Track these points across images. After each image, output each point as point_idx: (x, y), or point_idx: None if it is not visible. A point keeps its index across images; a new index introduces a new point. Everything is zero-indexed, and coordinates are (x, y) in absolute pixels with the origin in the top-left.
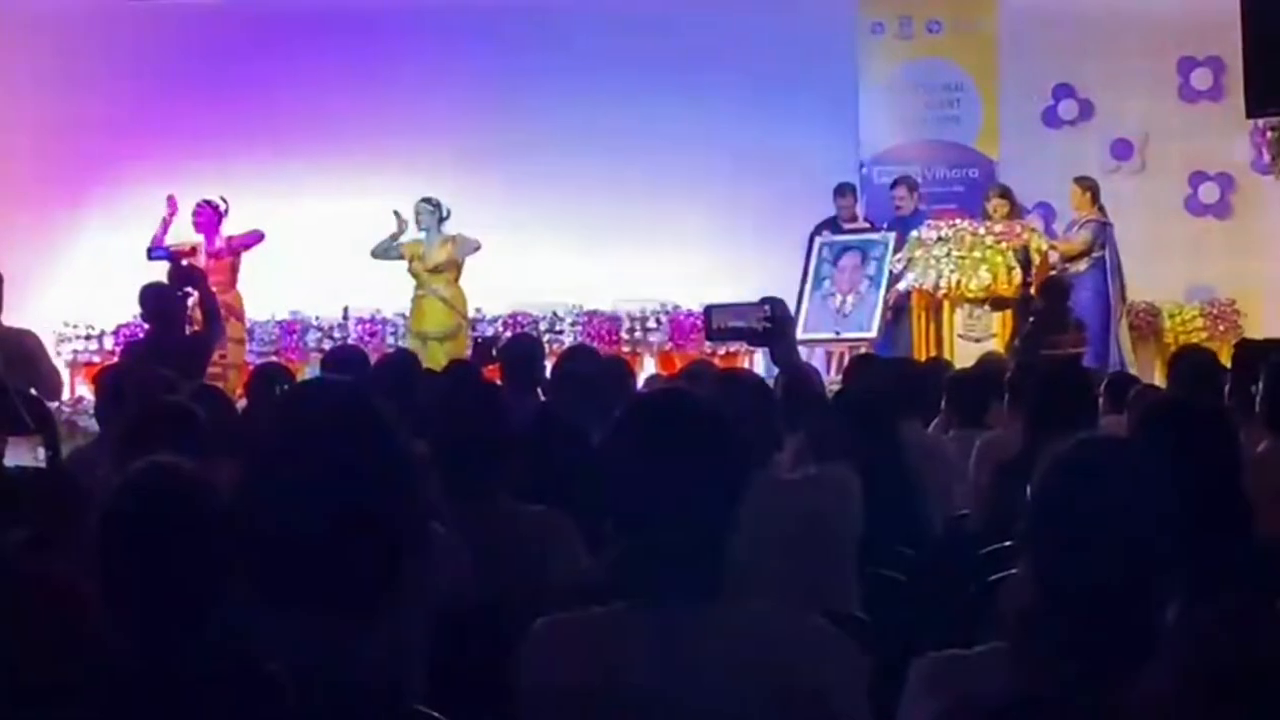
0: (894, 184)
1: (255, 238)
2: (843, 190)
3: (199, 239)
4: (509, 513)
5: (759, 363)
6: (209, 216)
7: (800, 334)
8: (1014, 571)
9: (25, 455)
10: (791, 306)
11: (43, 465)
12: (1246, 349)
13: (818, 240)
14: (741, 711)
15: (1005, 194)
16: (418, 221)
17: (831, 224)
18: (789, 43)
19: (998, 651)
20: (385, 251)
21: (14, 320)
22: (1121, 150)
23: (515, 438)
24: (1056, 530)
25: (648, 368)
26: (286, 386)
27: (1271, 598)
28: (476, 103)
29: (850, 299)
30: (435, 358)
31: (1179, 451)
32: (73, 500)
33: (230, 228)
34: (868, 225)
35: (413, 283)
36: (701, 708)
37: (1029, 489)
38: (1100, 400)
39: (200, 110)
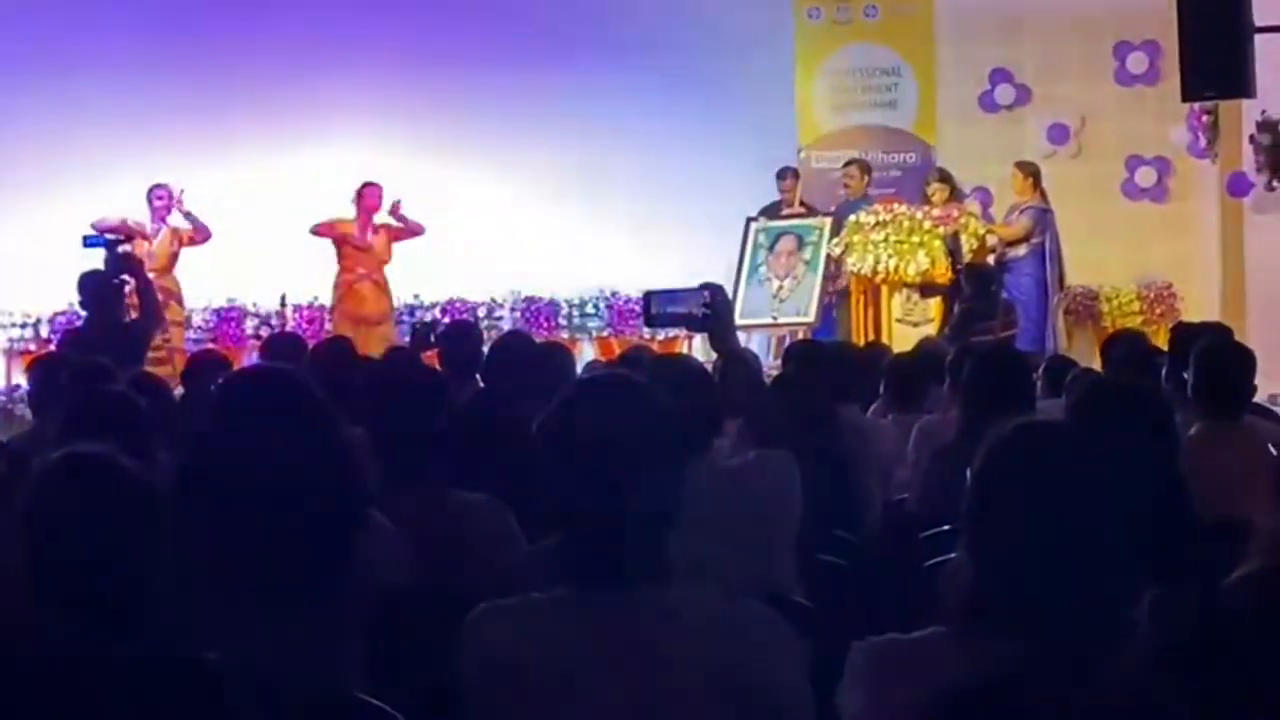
0: (845, 164)
1: (203, 236)
2: (783, 174)
3: (139, 225)
4: (447, 500)
5: (698, 348)
6: (167, 201)
7: (738, 319)
8: (953, 556)
9: None
10: (729, 292)
11: None
12: (1182, 332)
13: (753, 226)
14: (682, 697)
15: (945, 178)
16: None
17: (772, 208)
18: (726, 28)
19: (938, 636)
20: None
21: None
22: (1058, 134)
23: (454, 425)
24: (995, 514)
25: (587, 353)
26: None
27: (1212, 579)
28: (415, 90)
29: (787, 284)
30: (372, 343)
31: (1116, 434)
32: (5, 489)
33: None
34: (804, 210)
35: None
36: (642, 693)
37: (968, 473)
38: (1038, 384)
39: (138, 94)
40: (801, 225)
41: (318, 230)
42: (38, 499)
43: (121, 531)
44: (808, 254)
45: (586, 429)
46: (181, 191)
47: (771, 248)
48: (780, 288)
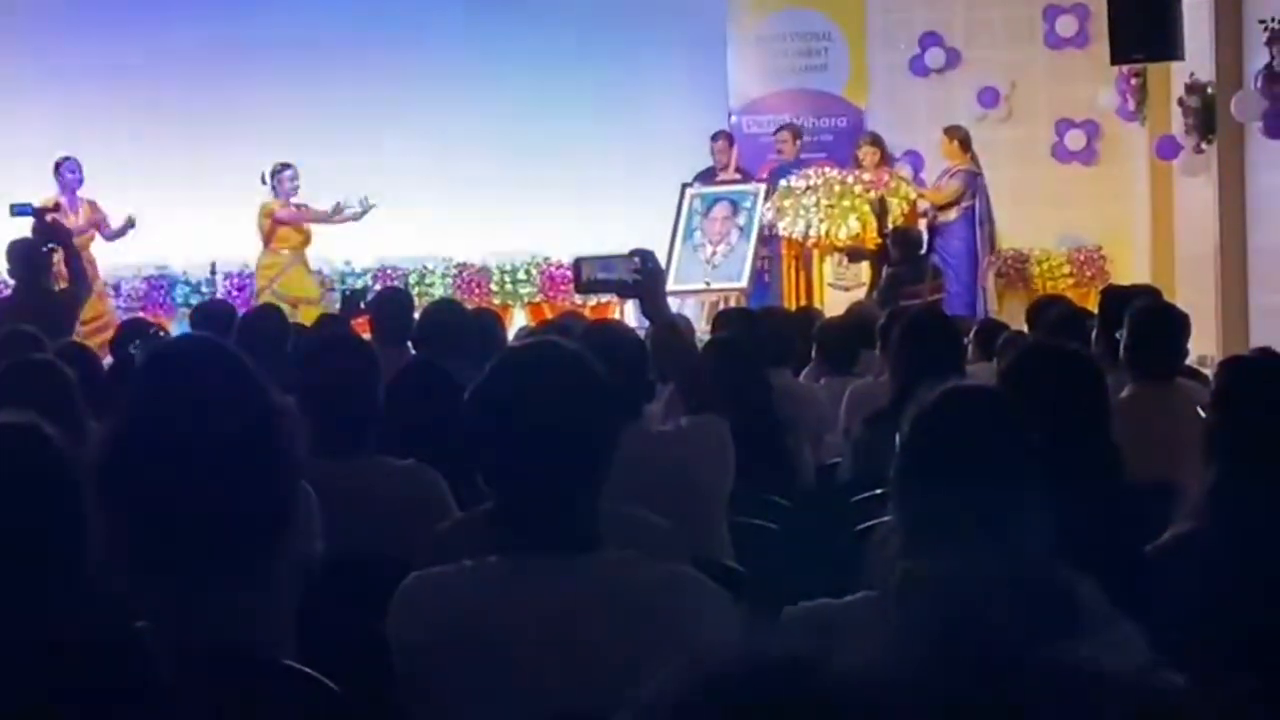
0: (777, 130)
1: (125, 229)
2: (716, 137)
3: (61, 197)
4: (377, 468)
5: (629, 314)
6: (77, 174)
7: (671, 285)
8: (885, 520)
9: None
10: (662, 258)
11: None
12: (1112, 295)
13: (688, 192)
14: (612, 661)
15: (876, 142)
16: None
17: (707, 174)
18: None
19: (868, 601)
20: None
21: None
22: (988, 98)
23: (384, 392)
24: (922, 479)
25: (518, 320)
26: (138, 343)
27: (1140, 541)
28: (340, 54)
29: (720, 249)
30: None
31: (1048, 398)
32: None
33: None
34: (739, 175)
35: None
36: (572, 659)
37: (897, 437)
38: (969, 348)
39: (61, 62)
40: (736, 191)
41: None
42: None
43: (46, 502)
44: (741, 220)
45: (516, 396)
46: (129, 219)
47: (706, 213)
48: (714, 253)
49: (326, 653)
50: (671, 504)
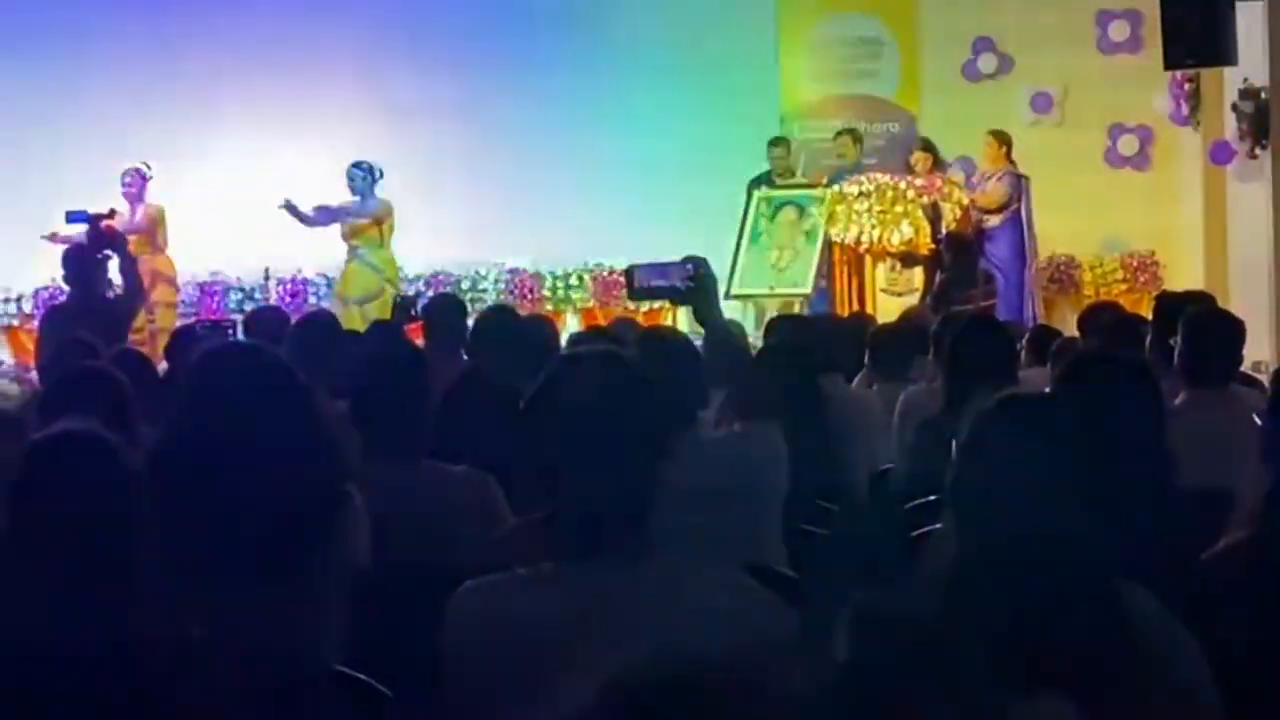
0: (837, 134)
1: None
2: (776, 142)
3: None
4: (430, 473)
5: (681, 320)
6: (139, 184)
7: (736, 289)
8: (938, 526)
9: None
10: (726, 262)
11: None
12: (1166, 302)
13: (755, 195)
14: None
15: (928, 147)
16: (351, 186)
17: (765, 178)
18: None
19: (923, 606)
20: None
21: None
22: (1041, 103)
23: (438, 398)
24: (979, 486)
25: (571, 326)
26: (205, 333)
27: (1195, 548)
28: (399, 60)
29: (786, 254)
30: (355, 323)
31: (1103, 405)
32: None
33: (153, 191)
34: (804, 180)
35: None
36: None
37: (953, 445)
38: (1022, 354)
39: (115, 67)
40: (803, 195)
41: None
42: (25, 476)
43: (108, 509)
44: (808, 225)
45: (572, 403)
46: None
47: (773, 217)
48: (779, 257)
49: (377, 657)
50: (725, 510)
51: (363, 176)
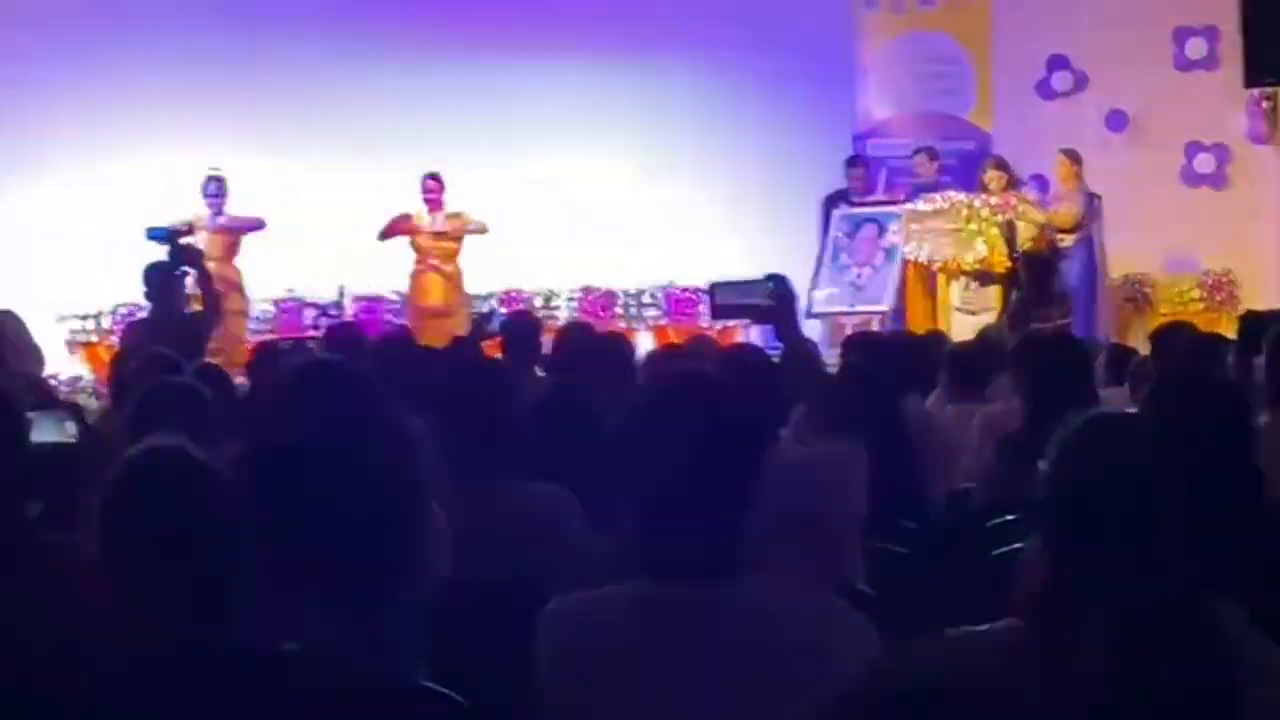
0: (914, 152)
1: (256, 224)
2: (853, 162)
3: (201, 215)
4: (512, 490)
5: (754, 337)
6: (220, 191)
7: (816, 307)
8: (1019, 546)
9: (54, 432)
10: (807, 279)
11: (70, 441)
12: (1251, 321)
13: (835, 213)
14: (756, 687)
15: (1001, 166)
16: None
17: (842, 196)
18: (784, 16)
19: (1013, 629)
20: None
21: (15, 299)
22: (1116, 121)
23: (521, 415)
24: (1072, 506)
25: (643, 343)
26: (288, 349)
27: None
28: (473, 78)
29: (865, 271)
30: (433, 335)
31: (1191, 424)
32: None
33: (230, 206)
34: (883, 197)
35: (411, 257)
36: (719, 685)
37: (1042, 466)
38: (1099, 373)
39: (194, 85)
40: (883, 212)
41: (386, 235)
42: (117, 493)
43: (199, 525)
44: (887, 241)
45: (666, 423)
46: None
47: (853, 234)
48: (859, 275)
49: (459, 672)
50: (806, 528)
51: (436, 188)
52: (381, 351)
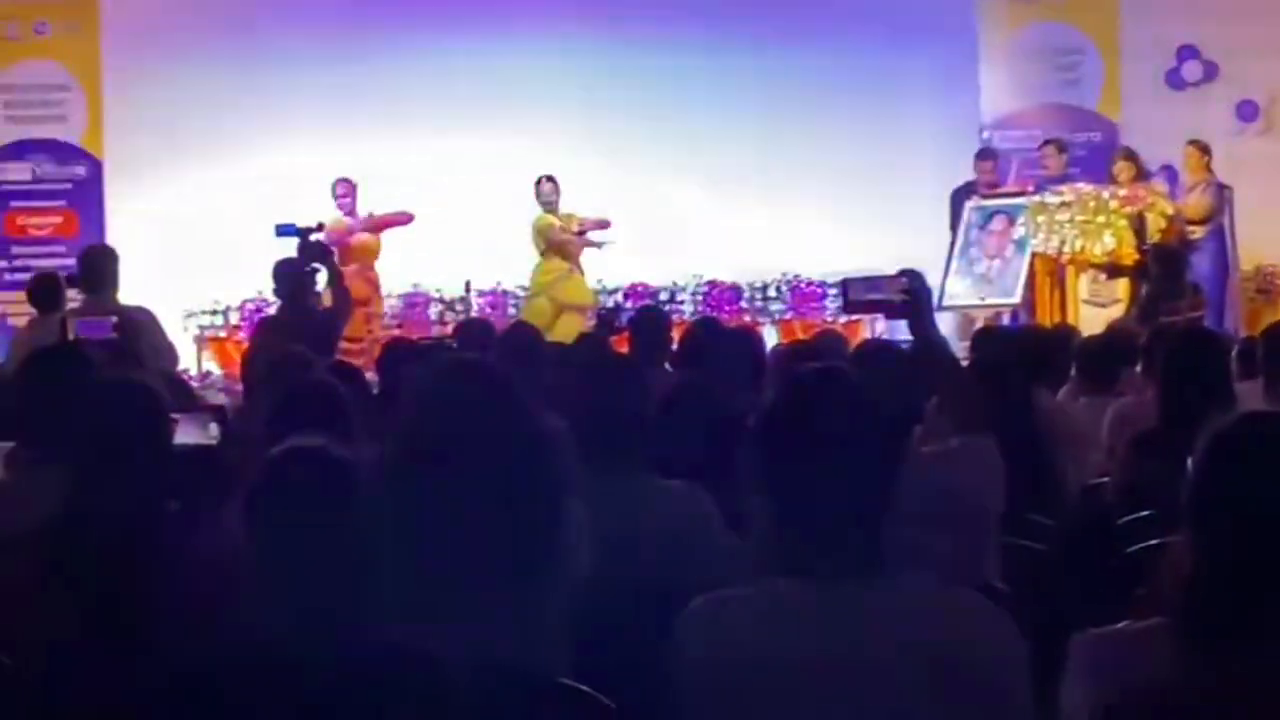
0: (1041, 144)
1: (405, 218)
2: (983, 155)
3: (337, 217)
4: (647, 487)
5: (880, 331)
6: (351, 193)
7: (947, 300)
8: (1156, 542)
9: (197, 433)
10: (929, 270)
11: (211, 443)
12: None
13: (967, 205)
14: (903, 688)
15: (1130, 157)
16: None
17: (971, 189)
18: (908, 7)
19: (1160, 628)
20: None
21: (144, 296)
22: (1247, 111)
23: (655, 411)
24: (1221, 506)
25: (769, 338)
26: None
27: None
28: (596, 75)
29: (996, 264)
30: (567, 329)
31: None
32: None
33: (361, 206)
34: (1013, 189)
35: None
36: (863, 685)
37: (1188, 462)
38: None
39: (324, 85)
40: (1014, 204)
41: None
42: (261, 494)
43: (344, 524)
44: (1017, 233)
45: (808, 422)
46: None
47: (983, 226)
48: (989, 268)
49: (598, 670)
50: (943, 525)
51: (551, 189)
52: (507, 346)
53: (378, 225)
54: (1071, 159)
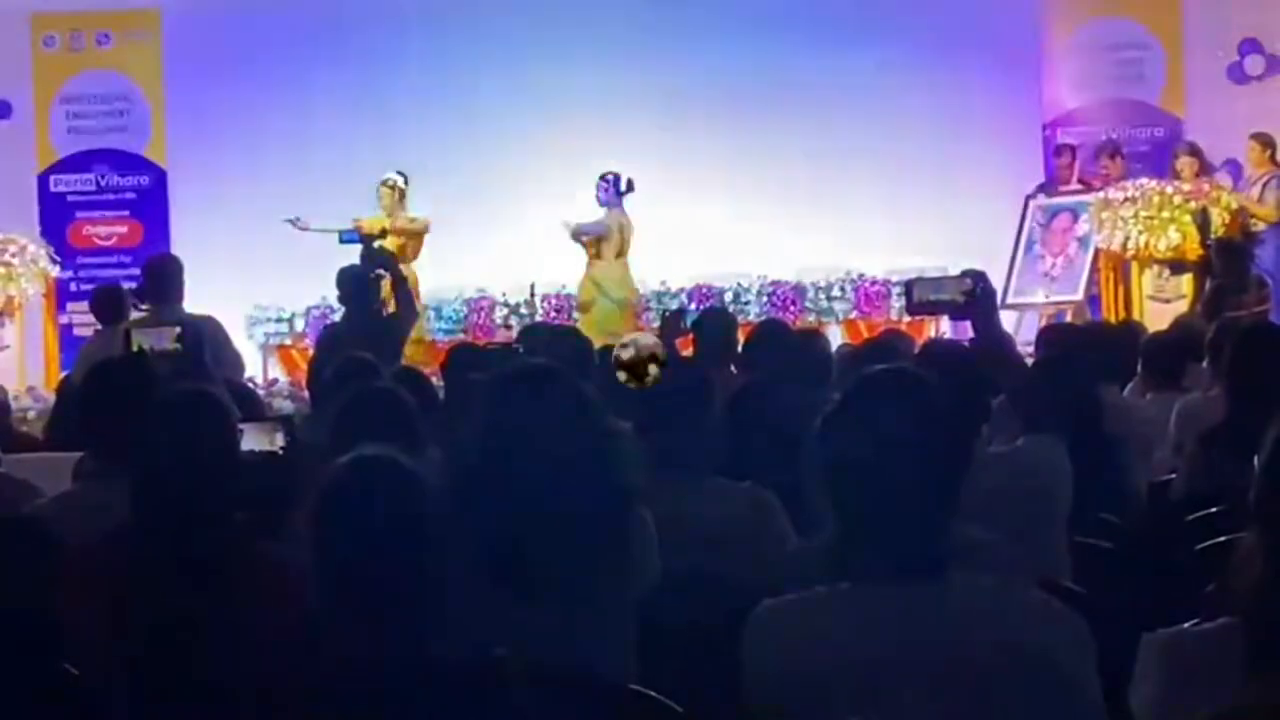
0: (1098, 153)
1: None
2: (1060, 151)
3: (370, 217)
4: (714, 489)
5: (944, 330)
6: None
7: (1011, 298)
8: (1224, 539)
9: (263, 441)
10: (1003, 270)
11: (278, 452)
12: None
13: (1031, 203)
14: (977, 688)
15: (1194, 152)
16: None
17: (1047, 186)
18: (971, 4)
19: (1232, 628)
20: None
21: (210, 303)
22: None
23: (721, 413)
24: None
25: (834, 337)
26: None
27: None
28: (658, 75)
29: (1059, 261)
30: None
31: None
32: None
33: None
34: (1077, 187)
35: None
36: (933, 686)
37: (1258, 460)
38: None
39: (388, 90)
40: (1078, 201)
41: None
42: (328, 503)
43: (412, 533)
44: (1081, 230)
45: (874, 422)
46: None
47: (1048, 224)
48: (1053, 265)
49: (666, 674)
50: (1011, 524)
51: (604, 188)
52: (560, 351)
53: (403, 230)
54: (1134, 154)
